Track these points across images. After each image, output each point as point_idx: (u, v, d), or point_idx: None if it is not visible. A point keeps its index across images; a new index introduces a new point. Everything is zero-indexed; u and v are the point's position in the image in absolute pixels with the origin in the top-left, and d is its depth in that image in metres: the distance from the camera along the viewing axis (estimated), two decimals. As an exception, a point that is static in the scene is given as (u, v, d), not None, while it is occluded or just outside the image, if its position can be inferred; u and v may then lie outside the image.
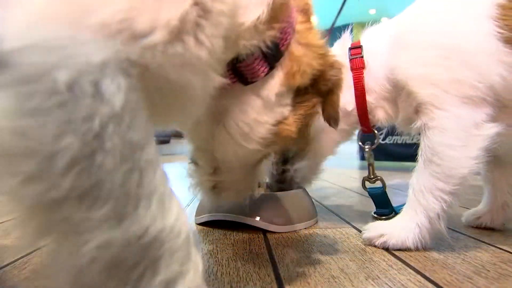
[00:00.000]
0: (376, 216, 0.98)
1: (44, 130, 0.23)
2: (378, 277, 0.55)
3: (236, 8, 0.37)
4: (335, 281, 0.53)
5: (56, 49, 0.24)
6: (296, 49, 0.46)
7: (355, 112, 0.82)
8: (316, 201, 1.20)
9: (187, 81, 0.32)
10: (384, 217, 0.95)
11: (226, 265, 0.60)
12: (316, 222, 0.91)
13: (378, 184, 0.97)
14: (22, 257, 0.63)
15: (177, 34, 0.30)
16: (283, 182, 0.92)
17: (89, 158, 0.24)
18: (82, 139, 0.24)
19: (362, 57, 0.80)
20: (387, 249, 0.68)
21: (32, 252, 0.64)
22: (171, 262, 0.30)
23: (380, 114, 0.80)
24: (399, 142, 3.06)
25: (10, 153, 0.24)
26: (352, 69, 0.80)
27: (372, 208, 1.11)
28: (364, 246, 0.70)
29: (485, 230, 0.83)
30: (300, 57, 0.46)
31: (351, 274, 0.56)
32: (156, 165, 0.29)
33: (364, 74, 0.79)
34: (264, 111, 0.47)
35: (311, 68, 0.48)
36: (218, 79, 0.37)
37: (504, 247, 0.69)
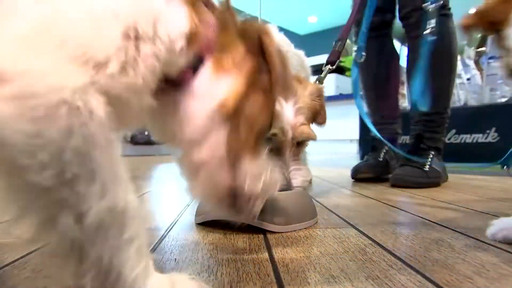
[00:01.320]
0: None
1: (52, 132, 0.32)
2: (378, 277, 0.55)
3: (169, 47, 0.45)
4: (335, 281, 0.53)
5: (49, 74, 0.33)
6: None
7: None
8: (316, 201, 1.20)
9: (128, 99, 0.42)
10: None
11: (226, 265, 0.60)
12: (316, 222, 0.91)
13: None
14: (22, 257, 0.63)
15: (124, 65, 0.39)
16: None
17: (86, 152, 0.34)
18: (82, 138, 0.33)
19: None
20: (387, 249, 0.68)
21: (32, 252, 0.64)
22: (139, 228, 0.39)
23: None
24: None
25: (25, 148, 0.32)
26: None
27: (372, 208, 1.11)
28: (364, 246, 0.70)
29: (485, 230, 0.83)
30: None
31: (351, 274, 0.56)
32: (120, 159, 0.39)
33: None
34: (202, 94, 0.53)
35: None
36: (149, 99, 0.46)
37: (504, 247, 0.69)
